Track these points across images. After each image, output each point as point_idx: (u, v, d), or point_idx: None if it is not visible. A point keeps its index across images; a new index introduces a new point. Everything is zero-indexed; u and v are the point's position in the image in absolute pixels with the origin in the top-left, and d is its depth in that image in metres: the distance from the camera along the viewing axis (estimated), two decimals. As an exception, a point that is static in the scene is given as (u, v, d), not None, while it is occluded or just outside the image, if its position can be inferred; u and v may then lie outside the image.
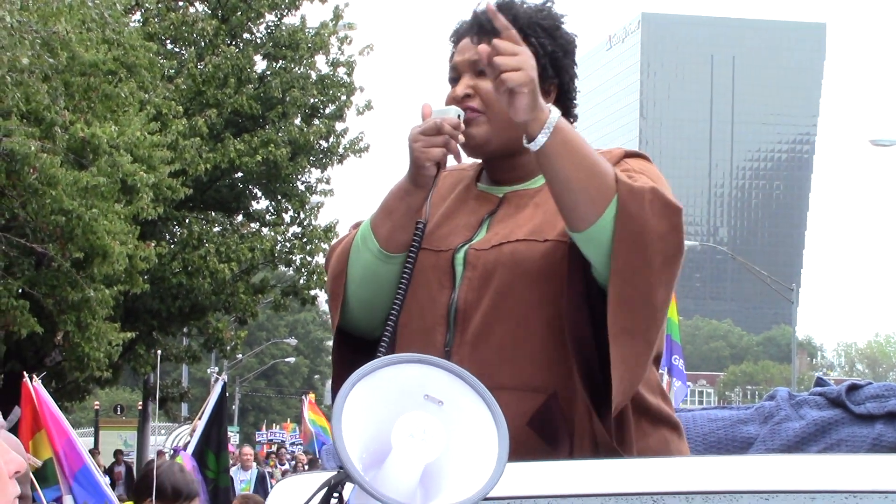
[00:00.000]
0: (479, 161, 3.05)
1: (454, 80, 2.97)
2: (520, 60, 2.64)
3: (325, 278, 3.13)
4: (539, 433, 2.71)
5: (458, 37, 3.02)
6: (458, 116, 2.85)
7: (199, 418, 11.14)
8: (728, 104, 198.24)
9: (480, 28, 2.92)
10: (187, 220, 23.30)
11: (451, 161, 2.90)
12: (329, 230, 24.85)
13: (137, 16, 22.84)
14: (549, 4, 3.02)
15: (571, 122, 2.96)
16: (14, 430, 11.82)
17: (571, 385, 2.73)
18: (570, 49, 3.00)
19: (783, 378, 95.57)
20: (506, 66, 2.62)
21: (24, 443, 10.24)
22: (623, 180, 2.68)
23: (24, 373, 10.59)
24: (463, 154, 2.94)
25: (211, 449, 10.70)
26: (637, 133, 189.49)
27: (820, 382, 3.40)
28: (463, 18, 3.06)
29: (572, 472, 2.27)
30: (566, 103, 2.97)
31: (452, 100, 2.92)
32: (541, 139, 2.65)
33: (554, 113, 2.68)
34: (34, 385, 10.35)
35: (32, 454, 9.93)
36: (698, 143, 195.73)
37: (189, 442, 11.15)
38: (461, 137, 2.85)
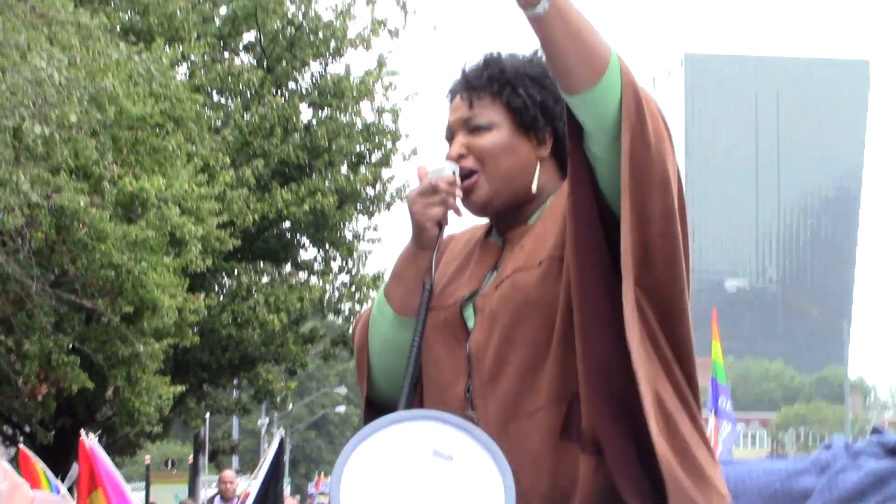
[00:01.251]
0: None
1: (450, 140, 2.96)
2: None
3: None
4: (575, 440, 2.66)
5: (450, 95, 3.01)
6: (454, 172, 2.85)
7: (256, 475, 11.14)
8: (773, 142, 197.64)
9: (468, 84, 2.92)
10: (236, 272, 23.39)
11: (460, 220, 2.94)
12: (377, 278, 24.87)
13: (183, 68, 23.05)
14: (538, 55, 2.97)
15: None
16: (73, 486, 11.91)
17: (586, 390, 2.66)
18: (554, 90, 2.91)
19: (836, 418, 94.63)
20: None
21: (81, 501, 10.31)
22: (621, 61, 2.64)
23: (81, 430, 10.66)
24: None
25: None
26: (683, 173, 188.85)
27: (876, 430, 3.36)
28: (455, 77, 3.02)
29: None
30: (564, 149, 2.89)
31: (448, 159, 2.91)
32: (545, 4, 2.55)
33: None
34: (90, 443, 10.42)
35: None
36: (744, 182, 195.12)
37: (247, 497, 11.15)
38: (459, 192, 2.86)
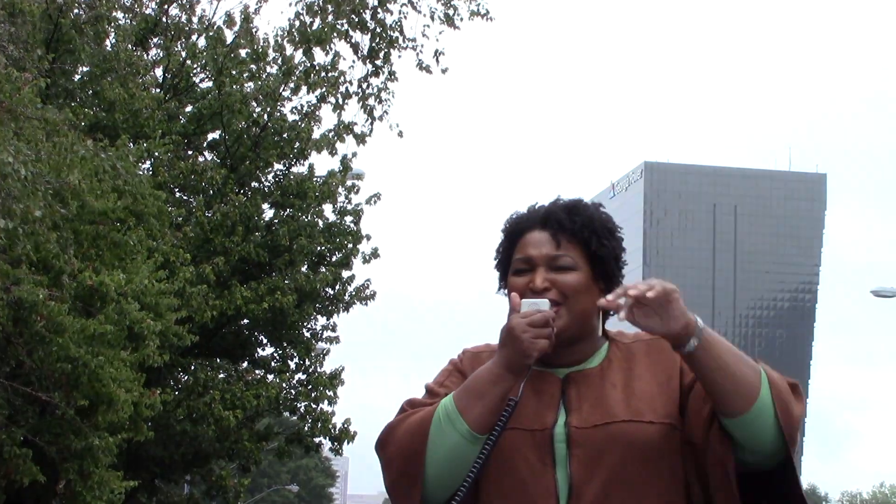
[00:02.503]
0: None
1: (522, 272, 3.12)
2: (649, 282, 2.85)
3: (385, 457, 3.11)
4: None
5: (520, 226, 3.17)
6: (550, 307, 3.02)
7: None
8: (730, 252, 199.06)
9: (558, 225, 3.11)
10: (193, 367, 23.32)
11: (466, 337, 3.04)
12: (334, 377, 24.84)
13: (147, 164, 23.15)
14: (602, 208, 3.23)
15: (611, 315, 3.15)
16: None
17: None
18: (623, 250, 3.23)
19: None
20: (645, 290, 2.83)
21: None
22: (769, 373, 2.95)
23: None
24: (482, 337, 3.10)
25: None
26: (640, 278, 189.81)
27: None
28: (517, 212, 3.23)
29: None
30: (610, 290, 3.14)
31: (531, 291, 3.07)
32: (694, 342, 2.85)
33: (695, 314, 2.88)
34: None
35: None
36: (701, 290, 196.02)
37: None
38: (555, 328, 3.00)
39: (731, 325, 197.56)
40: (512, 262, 3.15)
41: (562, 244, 3.09)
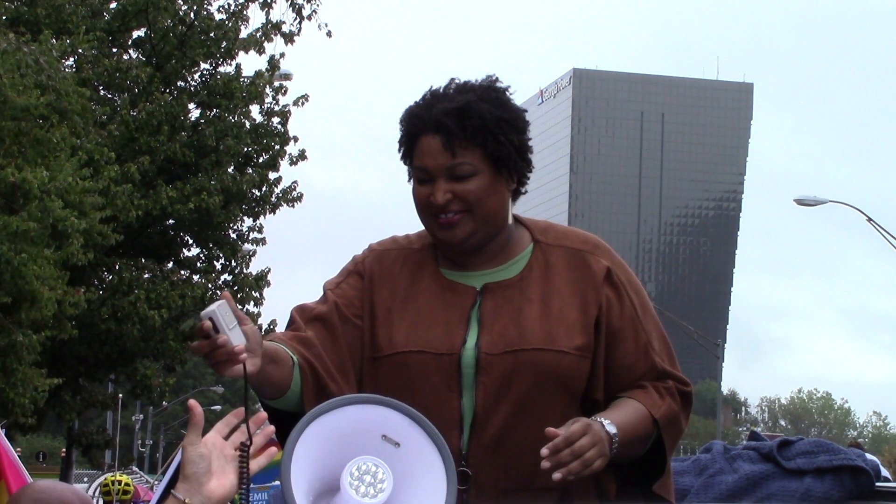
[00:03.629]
0: (424, 242, 3.10)
1: (422, 181, 3.00)
2: (591, 439, 2.74)
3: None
4: None
5: (413, 130, 3.03)
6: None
7: (160, 479, 11.06)
8: (657, 160, 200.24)
9: (449, 132, 2.96)
10: (117, 267, 23.17)
11: (388, 232, 2.98)
12: (260, 278, 24.79)
13: (71, 61, 22.77)
14: (496, 84, 3.06)
15: (522, 193, 3.09)
16: None
17: (586, 480, 2.86)
18: (526, 128, 3.08)
19: (708, 433, 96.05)
20: (589, 457, 2.73)
21: None
22: (661, 417, 2.94)
23: None
24: (394, 229, 3.01)
25: None
26: (567, 187, 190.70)
27: (754, 437, 3.50)
28: (411, 105, 3.07)
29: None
30: (522, 182, 3.08)
31: (433, 206, 2.96)
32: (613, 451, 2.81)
33: (610, 428, 2.81)
34: None
35: None
36: (627, 198, 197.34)
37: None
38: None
39: (657, 233, 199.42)
40: (412, 166, 3.03)
41: (457, 152, 2.95)
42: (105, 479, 14.81)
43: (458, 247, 2.99)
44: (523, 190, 3.10)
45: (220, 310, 2.29)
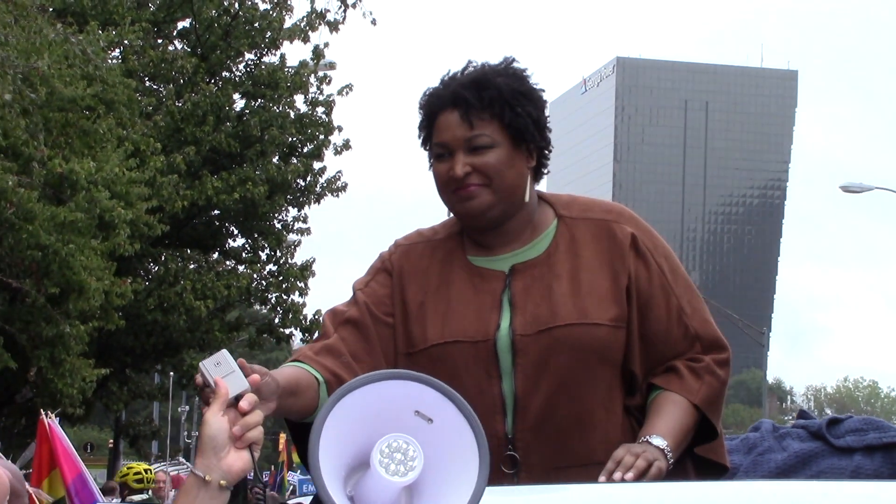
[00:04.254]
0: (449, 231, 3.10)
1: (441, 157, 3.01)
2: (644, 459, 2.75)
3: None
4: None
5: (431, 109, 3.04)
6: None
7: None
8: (701, 149, 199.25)
9: (467, 104, 2.98)
10: (163, 257, 23.28)
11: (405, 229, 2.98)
12: (305, 268, 24.85)
13: (117, 52, 22.89)
14: (514, 64, 3.08)
15: (545, 174, 3.09)
16: (29, 464, 11.72)
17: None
18: (544, 106, 3.09)
19: (753, 423, 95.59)
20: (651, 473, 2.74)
21: (40, 480, 10.18)
22: (701, 401, 2.94)
23: (42, 410, 10.54)
24: (411, 225, 3.00)
25: None
26: (611, 177, 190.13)
27: (803, 415, 3.50)
28: (430, 88, 3.08)
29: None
30: (542, 161, 3.07)
31: (452, 180, 2.97)
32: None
33: (658, 442, 2.81)
34: (49, 422, 10.29)
35: (48, 492, 9.89)
36: (671, 187, 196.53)
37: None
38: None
39: (701, 222, 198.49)
40: (431, 146, 3.04)
41: (475, 124, 2.97)
42: (121, 468, 14.84)
43: (479, 220, 2.99)
44: (545, 170, 3.11)
45: (206, 364, 2.26)
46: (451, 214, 3.11)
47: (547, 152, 3.08)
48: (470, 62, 3.07)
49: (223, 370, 2.24)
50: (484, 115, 2.96)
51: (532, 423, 2.88)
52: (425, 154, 3.09)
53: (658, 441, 2.78)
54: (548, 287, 2.95)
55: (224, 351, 2.29)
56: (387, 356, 2.99)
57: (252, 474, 2.19)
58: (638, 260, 2.98)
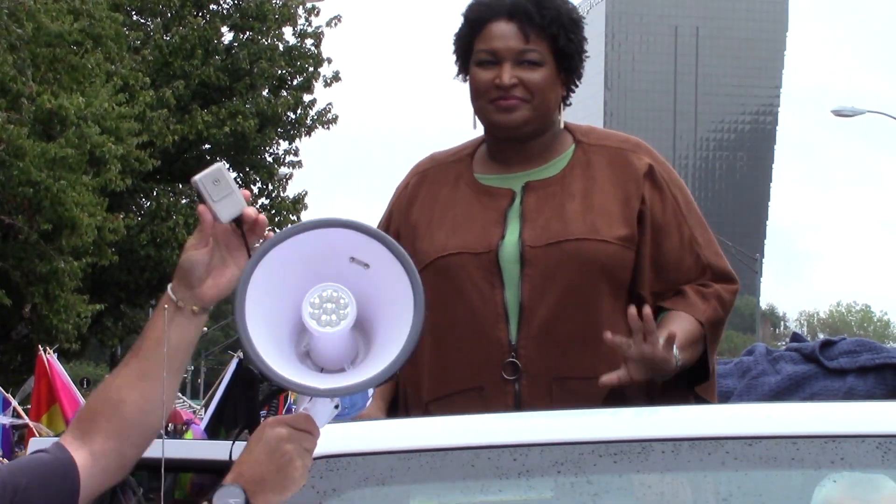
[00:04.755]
0: (459, 154, 3.15)
1: (486, 64, 3.03)
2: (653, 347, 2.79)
3: None
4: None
5: (482, 15, 3.06)
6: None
7: (213, 394, 11.03)
8: (692, 76, 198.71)
9: (527, 17, 3.01)
10: (155, 192, 23.25)
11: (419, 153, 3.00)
12: (297, 201, 24.85)
13: (103, -14, 22.72)
14: None
15: (568, 105, 3.13)
16: (27, 400, 11.69)
17: None
18: (585, 39, 3.15)
19: (746, 348, 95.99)
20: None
21: (39, 415, 10.20)
22: (707, 320, 2.96)
23: (39, 346, 10.50)
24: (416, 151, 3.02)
25: (224, 426, 10.51)
26: (602, 104, 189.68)
27: (796, 338, 3.52)
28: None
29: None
30: (571, 88, 3.13)
31: (496, 88, 3.00)
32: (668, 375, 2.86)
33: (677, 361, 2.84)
34: (48, 358, 10.26)
35: (48, 427, 9.90)
36: (662, 113, 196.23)
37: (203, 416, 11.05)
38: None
39: (693, 149, 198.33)
40: (474, 52, 3.06)
41: (531, 38, 3.00)
42: None
43: (512, 132, 3.03)
44: (568, 102, 3.15)
45: (203, 181, 2.10)
46: (480, 127, 3.13)
47: (575, 86, 3.14)
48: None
49: (221, 191, 2.12)
50: (540, 34, 3.01)
51: (536, 331, 2.92)
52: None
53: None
54: (560, 204, 3.00)
55: (221, 165, 2.13)
56: None
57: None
58: (654, 189, 3.03)
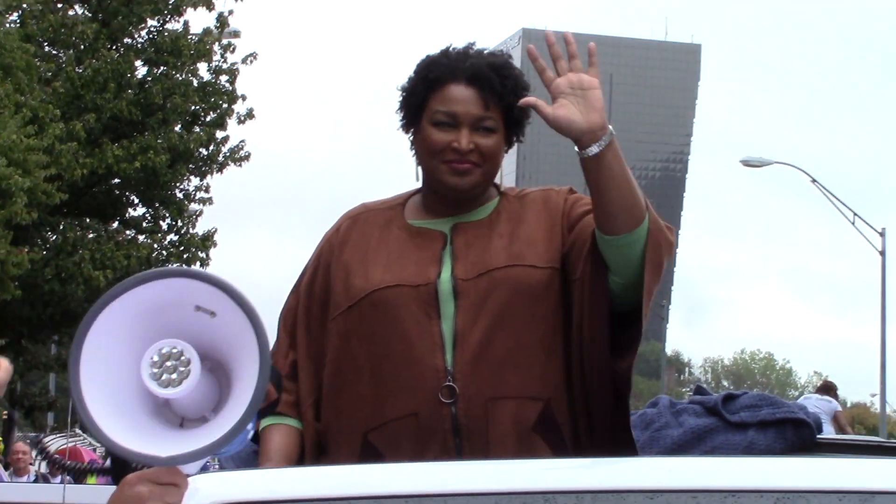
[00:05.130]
0: (391, 203, 3.26)
1: (443, 126, 3.12)
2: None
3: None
4: (543, 437, 2.99)
5: (440, 76, 3.15)
6: None
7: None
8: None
9: (488, 86, 3.12)
10: (62, 226, 22.98)
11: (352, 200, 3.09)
12: (207, 238, 24.68)
13: (15, 16, 22.51)
14: (509, 59, 3.26)
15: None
16: None
17: (561, 393, 3.03)
18: None
19: (651, 393, 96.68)
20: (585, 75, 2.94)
21: None
22: (651, 208, 3.01)
23: None
24: (351, 196, 3.11)
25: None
26: (516, 147, 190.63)
27: (700, 391, 3.56)
28: (432, 55, 3.20)
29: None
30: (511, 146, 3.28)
31: (453, 151, 3.10)
32: (604, 141, 2.99)
33: (609, 126, 2.97)
34: None
35: None
36: (576, 158, 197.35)
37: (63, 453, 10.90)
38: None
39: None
40: (430, 111, 3.14)
41: (490, 107, 3.12)
42: None
43: (463, 194, 3.14)
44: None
45: None
46: (423, 182, 3.21)
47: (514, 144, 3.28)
48: (473, 45, 3.25)
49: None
50: (498, 102, 3.12)
51: (470, 356, 2.99)
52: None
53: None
54: (488, 241, 3.11)
55: None
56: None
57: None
58: (570, 200, 3.18)
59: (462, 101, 3.12)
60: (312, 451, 3.15)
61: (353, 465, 2.52)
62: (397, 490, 2.21)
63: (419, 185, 3.25)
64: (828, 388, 12.97)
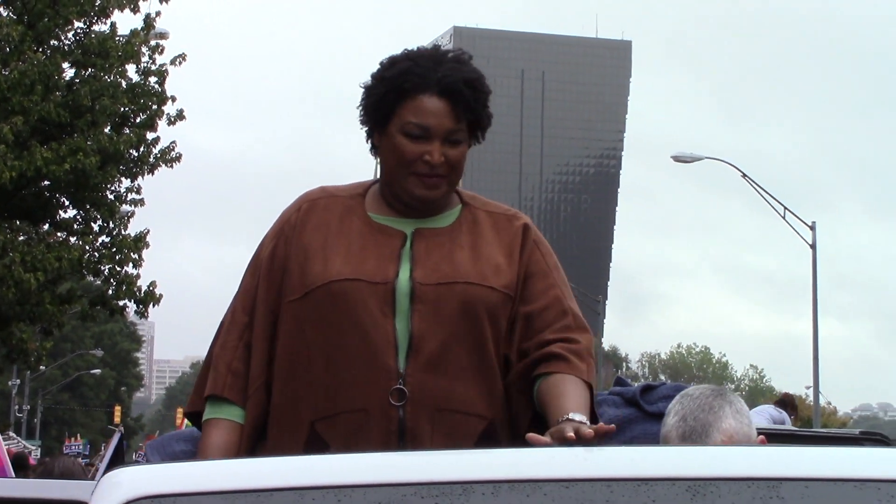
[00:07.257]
0: (352, 192, 3.30)
1: (415, 137, 3.16)
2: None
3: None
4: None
5: (411, 86, 3.17)
6: None
7: (99, 464, 10.86)
8: (538, 119, 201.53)
9: (463, 101, 3.17)
10: (-9, 229, 22.73)
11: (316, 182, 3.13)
12: (139, 240, 24.52)
13: (-61, 19, 22.23)
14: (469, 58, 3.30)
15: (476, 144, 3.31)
16: None
17: (503, 414, 3.14)
18: None
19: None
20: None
21: None
22: (591, 379, 3.12)
23: None
24: (319, 176, 3.14)
25: None
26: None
27: (620, 382, 3.63)
28: (400, 62, 3.21)
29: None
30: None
31: (424, 164, 3.15)
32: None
33: (580, 417, 2.90)
34: None
35: None
36: (509, 155, 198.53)
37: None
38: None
39: (538, 191, 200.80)
40: (401, 119, 3.16)
41: (461, 120, 3.18)
42: None
43: (429, 205, 3.21)
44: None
45: None
46: (377, 181, 3.30)
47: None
48: (438, 46, 3.33)
49: None
50: (467, 115, 3.18)
51: (424, 363, 3.06)
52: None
53: (579, 417, 2.91)
54: (449, 251, 3.18)
55: None
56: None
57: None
58: (527, 244, 3.23)
59: (435, 114, 3.16)
60: (253, 433, 3.19)
61: (275, 458, 2.53)
62: (318, 482, 2.22)
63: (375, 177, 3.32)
64: (784, 403, 12.81)
